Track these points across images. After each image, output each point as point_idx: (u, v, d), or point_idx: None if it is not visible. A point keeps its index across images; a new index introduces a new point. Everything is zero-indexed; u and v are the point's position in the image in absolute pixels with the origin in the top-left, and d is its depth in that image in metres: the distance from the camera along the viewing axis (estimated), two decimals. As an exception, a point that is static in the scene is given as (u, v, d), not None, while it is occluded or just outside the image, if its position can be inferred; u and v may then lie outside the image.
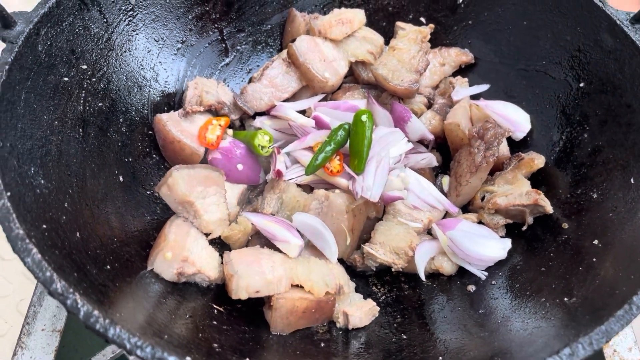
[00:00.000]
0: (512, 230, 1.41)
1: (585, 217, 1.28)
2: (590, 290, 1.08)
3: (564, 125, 1.45)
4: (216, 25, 1.63)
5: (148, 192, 1.39)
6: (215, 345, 1.04)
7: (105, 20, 1.36)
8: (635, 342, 1.31)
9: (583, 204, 1.30)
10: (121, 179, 1.32)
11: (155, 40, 1.50)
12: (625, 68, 1.31)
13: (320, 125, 1.49)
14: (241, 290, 1.17)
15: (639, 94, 1.26)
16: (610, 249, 1.14)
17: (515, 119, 1.52)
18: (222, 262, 1.28)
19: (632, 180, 1.21)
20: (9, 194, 0.93)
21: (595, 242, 1.19)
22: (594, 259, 1.15)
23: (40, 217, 0.99)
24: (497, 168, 1.47)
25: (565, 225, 1.31)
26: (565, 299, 1.10)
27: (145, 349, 0.80)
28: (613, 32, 1.34)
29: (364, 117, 1.35)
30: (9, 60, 1.07)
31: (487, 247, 1.33)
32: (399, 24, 1.71)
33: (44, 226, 0.98)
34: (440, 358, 1.09)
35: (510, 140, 1.54)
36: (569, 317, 1.04)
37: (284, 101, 1.58)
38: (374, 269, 1.39)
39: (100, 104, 1.32)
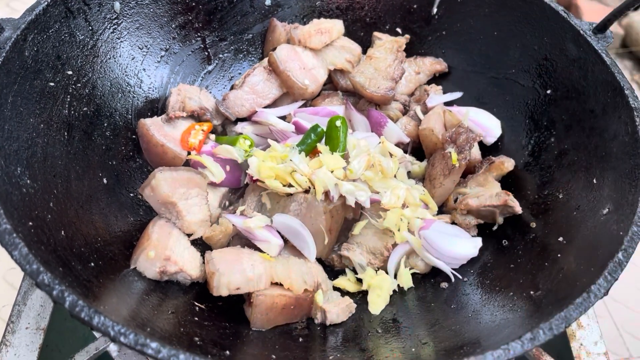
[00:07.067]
0: (483, 230, 1.47)
1: (551, 216, 1.34)
2: (554, 283, 1.14)
3: (533, 130, 1.52)
4: (199, 33, 1.68)
5: (131, 194, 1.42)
6: (197, 339, 1.08)
7: (90, 27, 1.40)
8: (601, 336, 1.37)
9: (549, 204, 1.37)
10: (105, 181, 1.36)
11: (139, 48, 1.55)
12: (588, 75, 1.38)
13: (300, 130, 1.54)
14: (222, 287, 1.21)
15: (601, 99, 1.34)
16: (574, 244, 1.20)
17: (487, 125, 1.58)
18: (203, 262, 1.32)
19: (594, 181, 1.27)
20: (-4, 191, 0.96)
21: (560, 239, 1.25)
22: (559, 255, 1.21)
23: (27, 215, 1.03)
24: (469, 171, 1.53)
25: (533, 224, 1.37)
26: (532, 292, 1.15)
27: (129, 335, 0.84)
28: (577, 42, 1.42)
29: (337, 123, 1.41)
30: (-3, 64, 1.11)
31: (459, 245, 1.38)
32: (376, 34, 1.78)
33: (30, 223, 1.01)
34: (413, 349, 1.14)
35: (482, 145, 1.60)
36: (534, 308, 1.09)
37: (264, 107, 1.63)
38: (352, 268, 1.43)
39: (85, 109, 1.36)
